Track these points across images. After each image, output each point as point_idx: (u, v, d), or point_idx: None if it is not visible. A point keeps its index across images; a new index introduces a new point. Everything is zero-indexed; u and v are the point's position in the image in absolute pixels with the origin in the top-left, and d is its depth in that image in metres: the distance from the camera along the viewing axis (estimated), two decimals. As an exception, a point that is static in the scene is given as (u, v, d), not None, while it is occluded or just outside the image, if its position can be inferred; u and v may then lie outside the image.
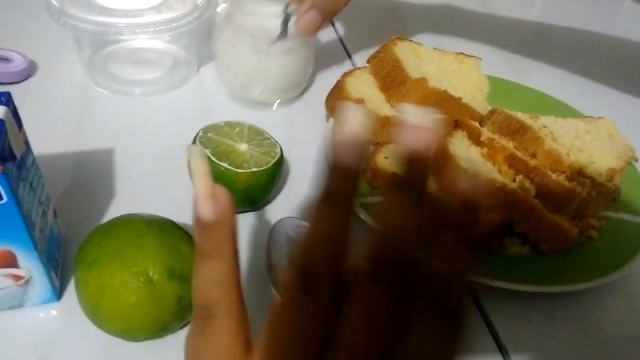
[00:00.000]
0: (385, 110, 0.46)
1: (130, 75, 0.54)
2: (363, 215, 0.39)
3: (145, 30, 0.47)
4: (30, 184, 0.31)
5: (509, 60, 0.66)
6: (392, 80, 0.48)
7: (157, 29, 0.47)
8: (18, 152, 0.29)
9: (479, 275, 0.36)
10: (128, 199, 0.41)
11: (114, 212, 0.40)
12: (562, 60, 0.66)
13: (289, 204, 0.42)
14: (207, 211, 0.20)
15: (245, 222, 0.40)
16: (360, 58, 0.62)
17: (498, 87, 0.53)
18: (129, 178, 0.43)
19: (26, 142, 0.31)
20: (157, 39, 0.56)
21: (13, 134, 0.29)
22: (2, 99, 0.29)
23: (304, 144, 0.48)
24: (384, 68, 0.49)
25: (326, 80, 0.56)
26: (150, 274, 0.28)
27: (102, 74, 0.53)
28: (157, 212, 0.34)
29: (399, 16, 0.71)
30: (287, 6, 0.46)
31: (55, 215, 0.35)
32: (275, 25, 0.47)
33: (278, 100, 0.52)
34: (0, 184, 0.27)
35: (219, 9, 0.49)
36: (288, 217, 0.38)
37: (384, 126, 0.45)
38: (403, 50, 0.51)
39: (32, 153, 0.32)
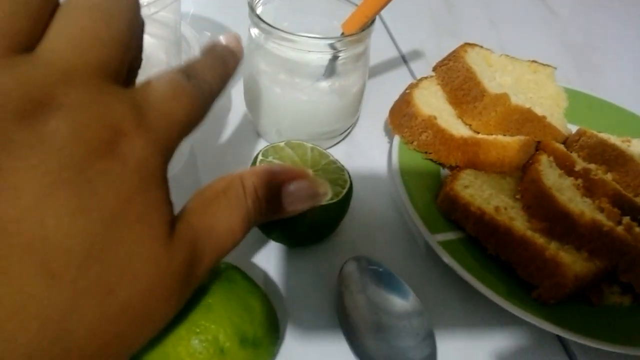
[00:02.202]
0: (460, 129, 0.41)
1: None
2: (442, 255, 0.34)
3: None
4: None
5: (576, 65, 0.60)
6: (465, 93, 0.43)
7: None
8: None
9: (575, 331, 0.32)
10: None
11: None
12: (636, 68, 0.60)
13: (353, 236, 0.37)
14: None
15: (310, 259, 0.36)
16: (417, 61, 0.56)
17: (574, 100, 0.48)
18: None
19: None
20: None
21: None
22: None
23: (364, 165, 0.44)
24: (455, 79, 0.44)
25: (382, 88, 0.51)
26: (221, 342, 0.24)
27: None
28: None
29: (453, 13, 0.66)
30: (336, 41, 0.37)
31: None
32: (320, 59, 0.38)
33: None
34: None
35: (252, 33, 0.39)
36: (358, 258, 0.34)
37: (459, 148, 0.40)
38: (474, 58, 0.45)
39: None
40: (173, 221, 0.17)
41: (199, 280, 0.18)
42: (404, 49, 0.58)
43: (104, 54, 0.16)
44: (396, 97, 0.46)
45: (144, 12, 0.36)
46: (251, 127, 0.45)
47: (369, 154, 0.45)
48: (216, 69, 0.19)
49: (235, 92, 0.48)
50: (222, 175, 0.20)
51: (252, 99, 0.43)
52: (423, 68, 0.55)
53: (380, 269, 0.34)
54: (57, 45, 0.15)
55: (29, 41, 0.15)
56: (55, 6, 0.16)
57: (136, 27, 0.17)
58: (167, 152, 0.17)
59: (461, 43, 0.49)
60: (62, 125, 0.14)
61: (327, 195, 0.21)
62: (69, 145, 0.14)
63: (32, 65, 0.14)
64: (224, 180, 0.20)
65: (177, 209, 0.18)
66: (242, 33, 0.40)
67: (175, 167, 0.41)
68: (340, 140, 0.45)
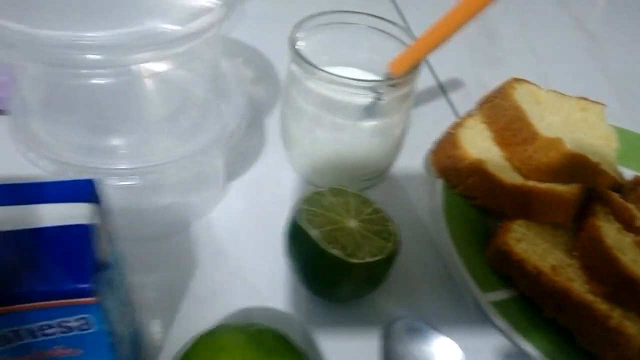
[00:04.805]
0: (510, 174, 0.39)
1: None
2: (495, 318, 0.32)
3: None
4: (110, 283, 0.25)
5: (620, 97, 0.57)
6: (514, 134, 0.41)
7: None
8: (106, 255, 0.23)
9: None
10: (221, 295, 0.34)
11: (202, 313, 0.33)
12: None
13: (397, 290, 0.35)
14: None
15: (352, 315, 0.34)
16: (456, 91, 0.54)
17: (624, 140, 0.45)
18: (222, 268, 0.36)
19: (111, 236, 0.25)
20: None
21: (103, 235, 0.22)
22: (82, 190, 0.22)
23: (405, 208, 0.41)
24: (502, 118, 0.42)
25: (420, 121, 0.49)
26: None
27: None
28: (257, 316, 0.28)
29: (492, 41, 0.63)
30: (382, 83, 0.35)
31: (133, 309, 0.29)
32: (361, 99, 0.36)
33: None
34: (92, 315, 0.20)
35: (291, 68, 0.37)
36: (404, 318, 0.32)
37: (509, 195, 0.37)
38: (522, 95, 0.43)
39: (116, 245, 0.25)
40: None
41: None
42: (442, 77, 0.56)
43: None
44: (435, 131, 0.44)
45: (183, 44, 0.35)
46: (287, 164, 0.43)
47: (409, 195, 0.43)
48: None
49: (268, 124, 0.46)
50: None
51: (290, 136, 0.41)
52: (462, 99, 0.53)
53: (428, 330, 0.32)
54: None
55: None
56: None
57: None
58: None
59: (501, 72, 0.47)
60: None
61: None
62: None
63: None
64: None
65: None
66: (280, 59, 0.38)
67: (209, 207, 0.39)
68: (379, 181, 0.43)
